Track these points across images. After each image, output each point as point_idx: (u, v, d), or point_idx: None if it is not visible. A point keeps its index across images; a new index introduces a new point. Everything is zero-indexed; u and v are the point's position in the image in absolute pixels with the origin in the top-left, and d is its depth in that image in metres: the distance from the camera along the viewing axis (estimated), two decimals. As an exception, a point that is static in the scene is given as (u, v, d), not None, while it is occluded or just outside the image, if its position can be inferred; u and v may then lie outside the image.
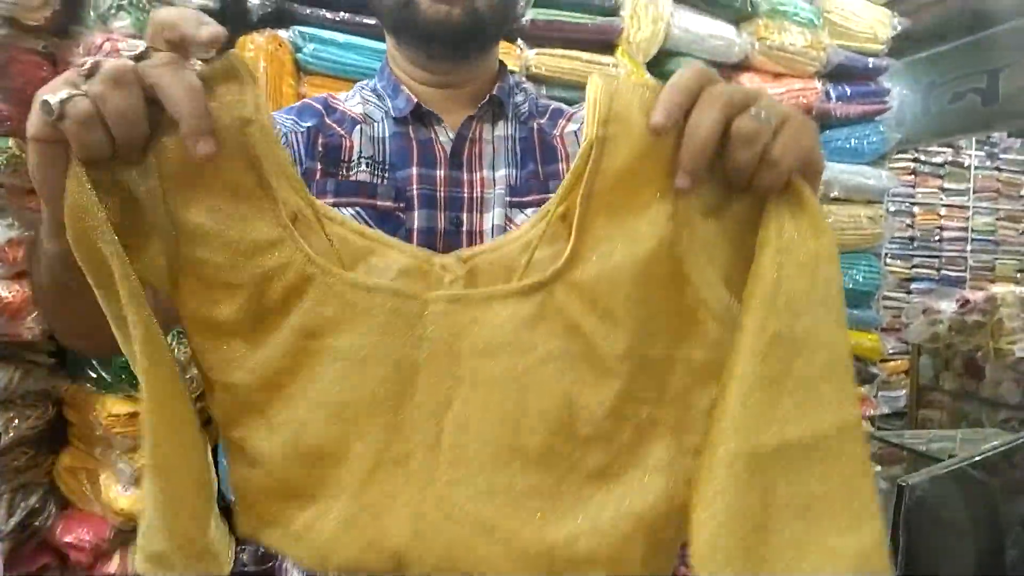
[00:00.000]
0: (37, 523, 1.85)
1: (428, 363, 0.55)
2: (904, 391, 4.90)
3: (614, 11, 2.25)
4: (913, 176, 5.67)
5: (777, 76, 2.44)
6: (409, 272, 0.58)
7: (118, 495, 1.80)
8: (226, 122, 0.53)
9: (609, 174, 0.54)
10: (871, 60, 2.58)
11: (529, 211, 0.80)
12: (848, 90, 2.53)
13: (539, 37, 2.18)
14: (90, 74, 0.49)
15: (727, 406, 0.52)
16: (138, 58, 0.50)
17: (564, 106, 0.95)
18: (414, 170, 0.82)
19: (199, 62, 0.54)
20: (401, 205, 0.79)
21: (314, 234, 0.57)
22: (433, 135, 0.85)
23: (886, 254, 5.27)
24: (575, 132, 0.89)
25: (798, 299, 0.52)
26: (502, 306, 0.55)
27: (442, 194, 0.81)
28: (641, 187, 0.54)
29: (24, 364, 1.79)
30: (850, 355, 0.54)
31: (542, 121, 0.90)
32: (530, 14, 2.15)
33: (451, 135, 0.85)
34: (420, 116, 0.86)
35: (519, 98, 0.92)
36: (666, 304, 0.55)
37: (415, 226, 0.78)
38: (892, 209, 5.47)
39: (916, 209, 5.71)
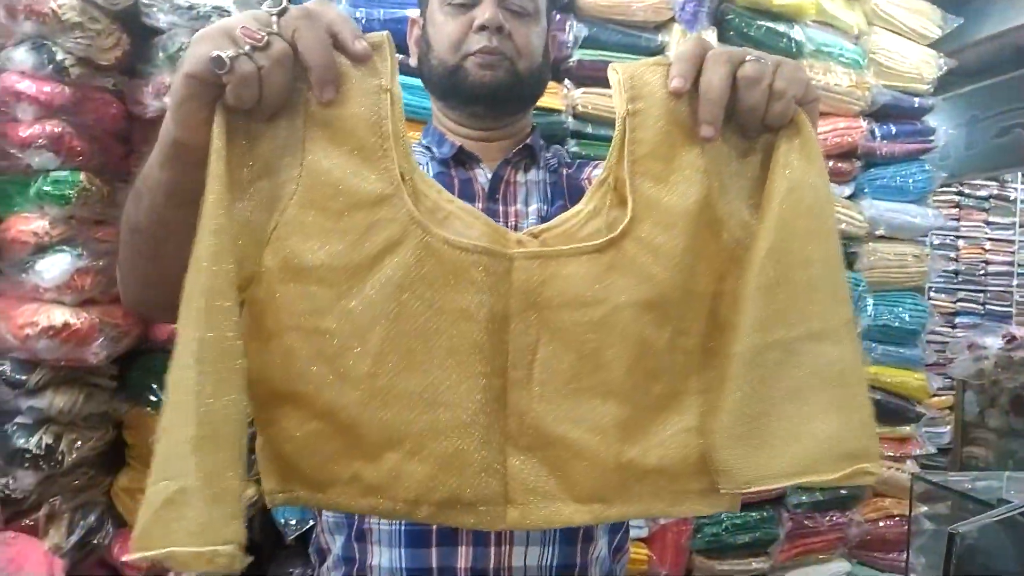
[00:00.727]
0: (95, 541, 1.92)
1: (517, 313, 0.63)
2: (948, 428, 4.81)
3: (660, 51, 2.29)
4: (957, 210, 5.60)
5: (822, 115, 2.45)
6: (492, 239, 0.64)
7: (174, 517, 1.86)
8: (365, 85, 0.61)
9: (644, 142, 0.62)
10: (917, 100, 2.58)
11: None
12: (894, 129, 2.54)
13: (585, 77, 2.23)
14: (258, 46, 0.57)
15: (738, 311, 0.62)
16: (280, 12, 0.58)
17: (587, 161, 1.06)
18: None
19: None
20: None
21: (412, 196, 0.62)
22: (472, 175, 0.96)
23: (930, 288, 5.21)
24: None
25: (795, 217, 0.60)
26: (578, 262, 0.63)
27: None
28: (674, 149, 0.62)
29: (87, 387, 1.87)
30: (842, 267, 0.63)
31: (570, 171, 1.01)
32: (576, 55, 2.20)
33: (488, 175, 0.96)
34: (462, 160, 0.96)
35: (548, 153, 1.03)
36: (708, 245, 0.64)
37: None
38: (936, 243, 5.40)
39: (960, 243, 5.63)
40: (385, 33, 0.62)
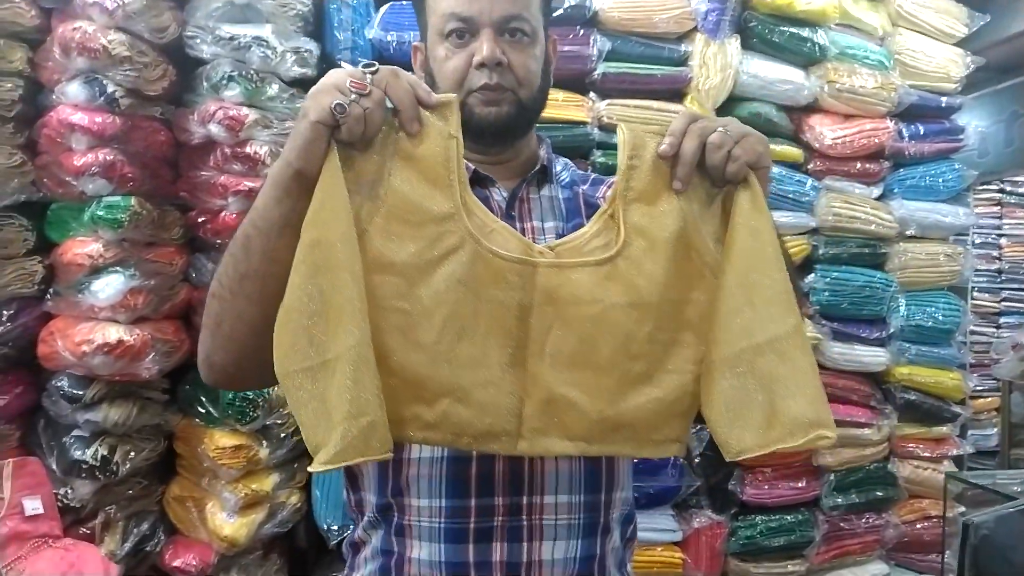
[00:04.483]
0: (148, 548, 2.02)
1: (538, 305, 0.84)
2: (995, 429, 4.72)
3: (683, 61, 2.34)
4: (999, 207, 5.49)
5: (848, 117, 2.48)
6: (522, 250, 0.85)
7: (223, 522, 1.94)
8: (440, 132, 0.82)
9: (636, 188, 0.86)
10: (944, 99, 2.58)
11: None
12: (921, 129, 2.54)
13: (610, 89, 2.29)
14: (363, 94, 0.76)
15: (714, 328, 0.84)
16: (374, 72, 0.78)
17: (602, 176, 1.12)
18: None
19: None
20: None
21: (468, 214, 0.83)
22: (489, 194, 1.01)
23: (973, 287, 5.10)
24: None
25: (749, 255, 0.83)
26: (584, 271, 0.85)
27: None
28: (658, 193, 0.85)
29: (140, 401, 1.97)
30: (790, 287, 0.83)
31: (584, 187, 1.07)
32: (601, 68, 2.25)
33: (505, 195, 1.01)
34: (478, 180, 1.01)
35: (559, 166, 1.09)
36: (681, 266, 0.85)
37: None
38: (978, 241, 5.30)
39: (1003, 241, 5.51)
40: (454, 95, 0.84)
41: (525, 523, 0.92)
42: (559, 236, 0.98)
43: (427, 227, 0.82)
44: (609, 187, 1.07)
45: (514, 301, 0.83)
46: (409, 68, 0.90)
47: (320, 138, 0.77)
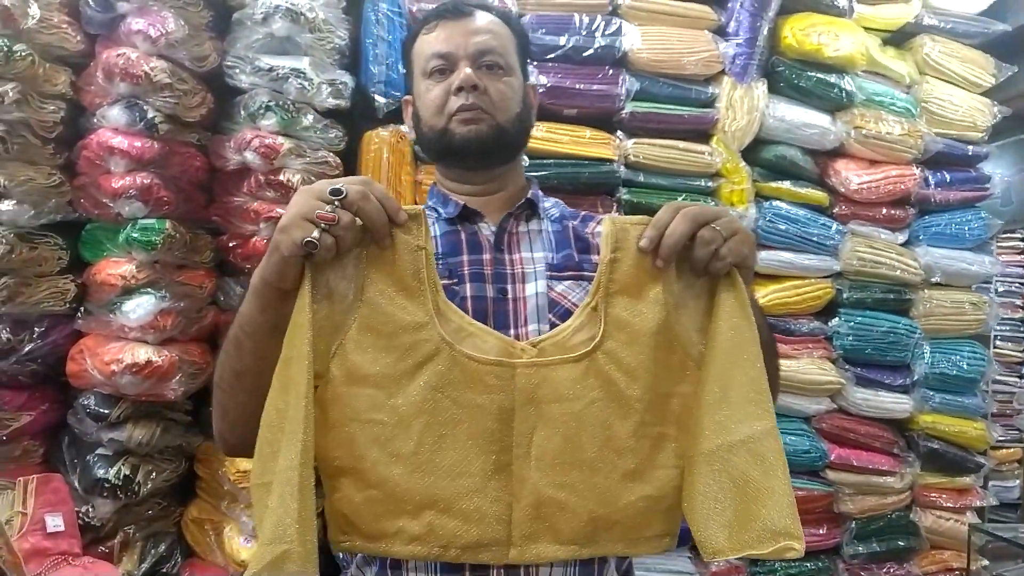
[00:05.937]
0: (164, 570, 2.01)
1: (519, 407, 0.85)
2: (1017, 481, 4.63)
3: (710, 103, 2.36)
4: (1023, 256, 5.45)
5: (874, 162, 2.48)
6: (502, 350, 0.86)
7: (240, 547, 1.94)
8: (408, 244, 0.86)
9: (619, 280, 0.88)
10: (971, 147, 2.59)
11: (567, 282, 1.00)
12: (948, 176, 2.54)
13: (637, 128, 2.31)
14: (334, 223, 0.79)
15: (694, 422, 0.85)
16: (342, 197, 0.80)
17: (593, 214, 1.17)
18: (464, 256, 1.02)
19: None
20: (455, 281, 0.98)
21: (443, 321, 0.86)
22: (478, 229, 1.06)
23: (995, 336, 5.05)
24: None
25: (729, 352, 0.84)
26: (563, 368, 0.86)
27: (488, 271, 1.00)
28: (641, 287, 0.87)
29: (164, 422, 1.99)
30: (766, 384, 0.84)
31: (575, 222, 1.12)
32: (628, 107, 2.28)
33: (493, 229, 1.06)
34: (467, 215, 1.07)
35: (548, 203, 1.14)
36: (664, 358, 0.87)
37: (468, 295, 0.96)
38: (1001, 289, 5.26)
39: (1027, 290, 5.47)
40: (422, 207, 0.88)
41: None
42: (549, 266, 1.03)
43: (401, 336, 0.84)
44: (598, 223, 1.11)
45: (495, 404, 0.84)
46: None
47: (293, 266, 0.81)
